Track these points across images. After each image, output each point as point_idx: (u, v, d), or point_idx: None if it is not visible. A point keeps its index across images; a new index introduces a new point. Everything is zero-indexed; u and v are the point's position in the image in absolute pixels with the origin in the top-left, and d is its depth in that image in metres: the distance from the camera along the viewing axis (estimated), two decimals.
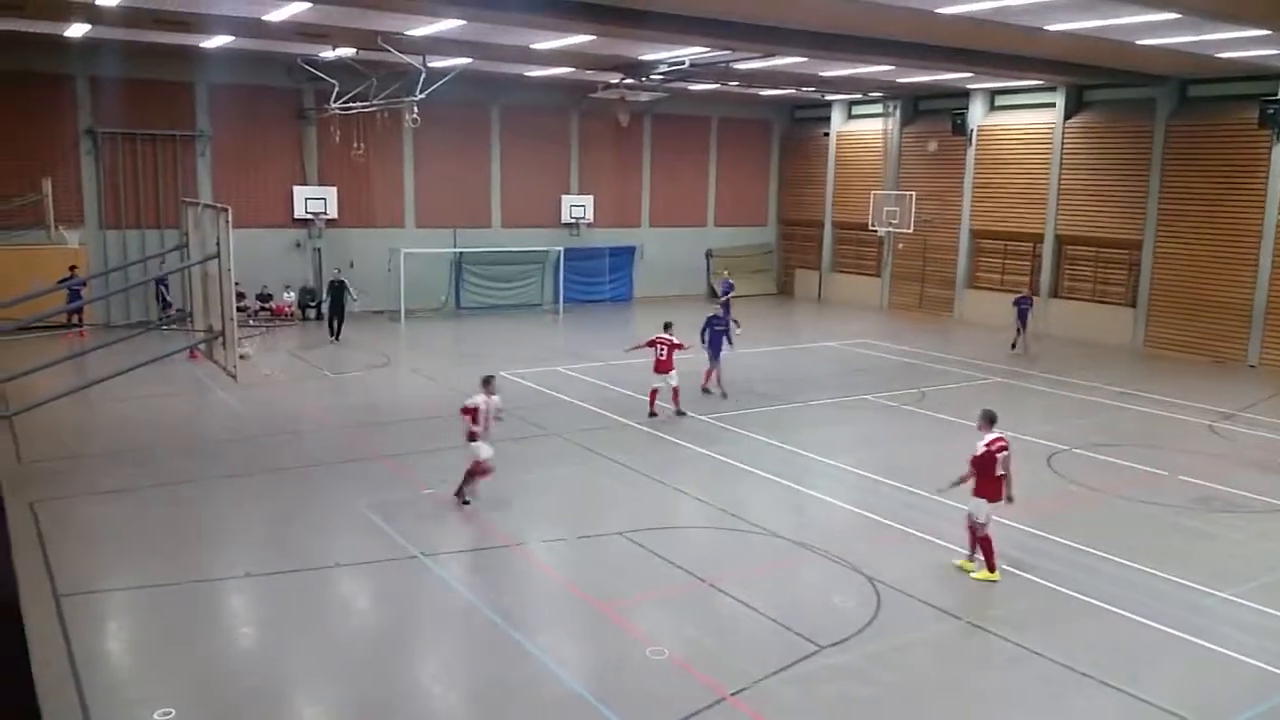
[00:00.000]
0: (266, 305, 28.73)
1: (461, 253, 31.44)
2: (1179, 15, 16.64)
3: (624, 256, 35.12)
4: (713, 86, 29.86)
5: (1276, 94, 23.75)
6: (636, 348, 18.66)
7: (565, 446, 16.15)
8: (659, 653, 9.18)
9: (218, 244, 11.52)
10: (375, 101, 25.46)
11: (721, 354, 19.75)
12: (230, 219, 10.66)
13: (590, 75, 27.86)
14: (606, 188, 34.52)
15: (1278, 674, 8.93)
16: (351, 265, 29.81)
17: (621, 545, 11.82)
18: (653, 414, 17.86)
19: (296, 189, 29.01)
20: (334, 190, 29.38)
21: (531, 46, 22.55)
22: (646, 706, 8.23)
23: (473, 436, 13.04)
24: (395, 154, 30.50)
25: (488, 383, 13.19)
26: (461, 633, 9.75)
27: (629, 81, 27.67)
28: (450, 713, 8.50)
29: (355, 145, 27.59)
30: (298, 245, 29.48)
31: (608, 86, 29.02)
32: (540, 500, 13.77)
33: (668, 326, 18.18)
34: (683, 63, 24.76)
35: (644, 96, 30.99)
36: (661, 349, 17.81)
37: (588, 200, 33.76)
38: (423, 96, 23.32)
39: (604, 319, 31.31)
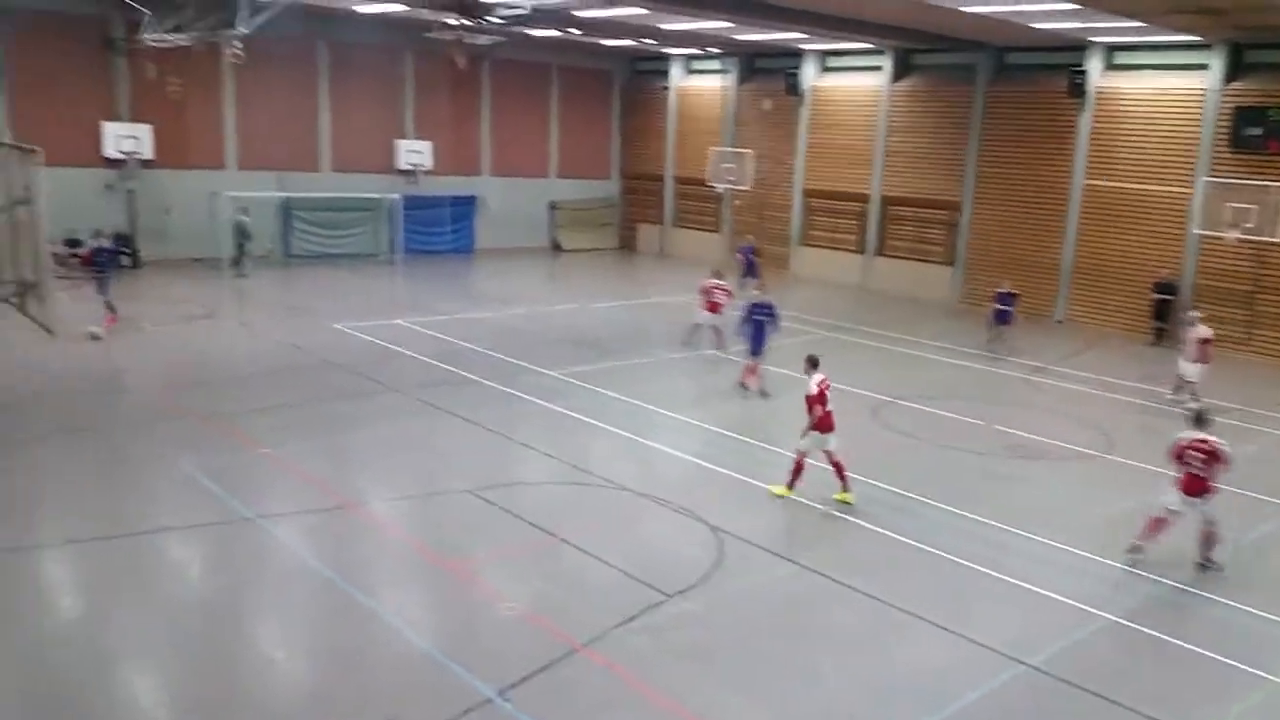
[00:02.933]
0: (76, 253, 26.54)
1: (289, 197, 29.95)
2: None
3: (465, 206, 34.37)
4: (554, 33, 29.41)
5: (1082, 65, 25.47)
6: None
7: (407, 403, 15.81)
8: (510, 608, 9.21)
9: (26, 188, 10.56)
10: (193, 32, 23.72)
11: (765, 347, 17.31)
12: (42, 161, 9.76)
13: (425, 14, 26.85)
14: (445, 134, 33.56)
15: (1084, 609, 9.79)
16: (169, 212, 28.02)
17: (468, 502, 11.73)
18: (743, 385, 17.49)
19: (106, 125, 26.82)
20: (148, 128, 27.32)
21: None
22: (499, 662, 8.26)
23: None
24: (215, 91, 28.60)
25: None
26: (303, 597, 9.47)
27: (466, 23, 26.85)
28: (295, 681, 8.28)
29: (171, 81, 25.69)
30: (109, 187, 27.33)
31: (444, 27, 28.09)
32: (382, 459, 13.46)
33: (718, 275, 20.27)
34: (523, 6, 24.24)
35: (483, 40, 30.09)
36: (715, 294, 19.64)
37: (425, 146, 32.74)
38: (245, 31, 21.91)
39: (446, 270, 30.67)
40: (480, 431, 14.57)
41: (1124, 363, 21.72)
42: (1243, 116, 23.05)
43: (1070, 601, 9.91)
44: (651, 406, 16.20)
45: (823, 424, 12.04)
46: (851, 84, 31.20)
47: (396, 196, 31.32)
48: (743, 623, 9.27)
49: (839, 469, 12.12)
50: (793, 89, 32.00)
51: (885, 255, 30.48)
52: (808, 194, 32.62)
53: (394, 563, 10.44)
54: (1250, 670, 8.69)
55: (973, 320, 26.08)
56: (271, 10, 22.96)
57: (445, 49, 30.37)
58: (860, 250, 30.93)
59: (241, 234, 27.24)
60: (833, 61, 31.72)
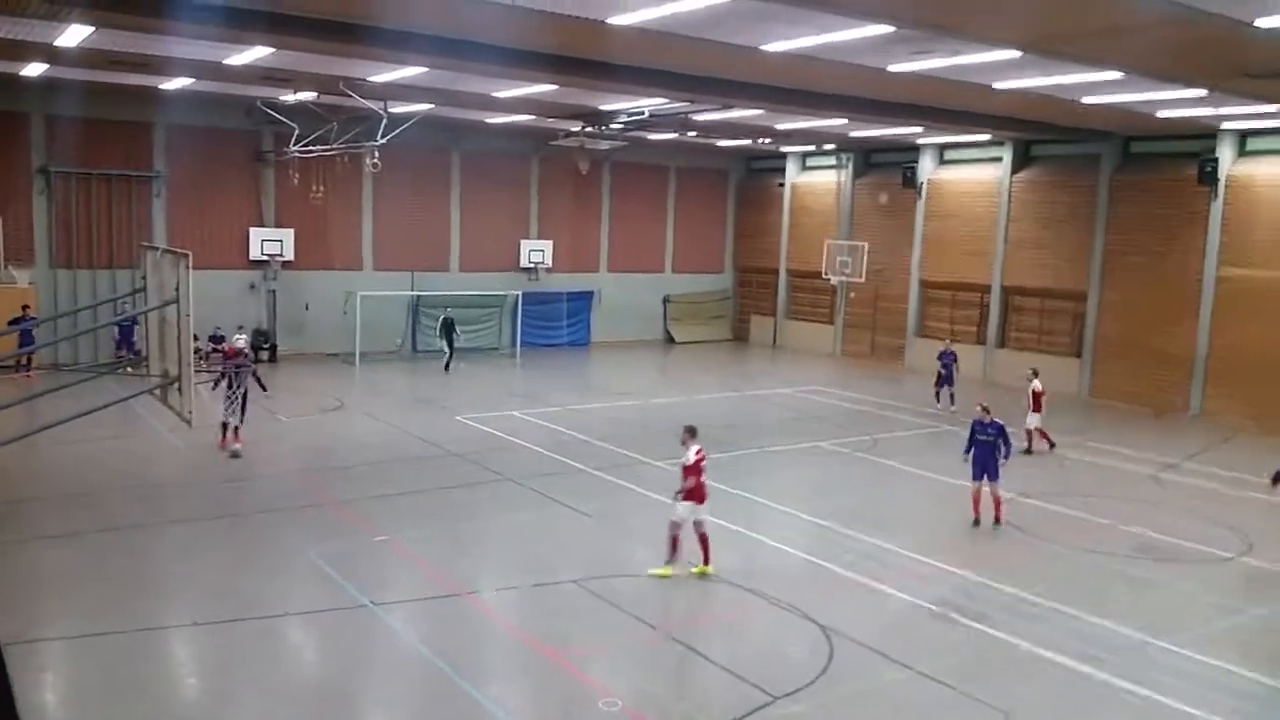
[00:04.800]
0: (219, 348, 28.39)
1: (419, 295, 31.43)
2: (1122, 75, 17.35)
3: (582, 301, 35.32)
4: (671, 136, 30.36)
5: (1214, 152, 24.68)
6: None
7: (519, 492, 16.13)
8: (612, 704, 9.16)
9: (176, 289, 11.45)
10: (335, 145, 25.53)
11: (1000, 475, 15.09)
12: (190, 264, 10.62)
13: (551, 123, 28.21)
14: (565, 233, 34.80)
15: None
16: (307, 308, 29.71)
17: (575, 593, 11.81)
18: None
19: (252, 230, 28.87)
20: (291, 232, 29.27)
21: (493, 94, 22.81)
22: None
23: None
24: (354, 197, 30.51)
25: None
26: (410, 684, 9.65)
27: (589, 130, 28.04)
28: None
29: (314, 188, 27.60)
30: (252, 287, 29.28)
31: (568, 135, 29.38)
32: (493, 547, 13.72)
33: None
34: (642, 113, 25.17)
35: (604, 145, 31.36)
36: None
37: (546, 245, 33.99)
38: (383, 141, 23.44)
39: (561, 363, 31.41)
40: (588, 521, 14.71)
41: (1265, 459, 20.36)
42: None
43: (1204, 715, 9.23)
44: (761, 499, 16.07)
45: (695, 494, 12.18)
46: (970, 175, 30.98)
47: (518, 293, 32.47)
48: None
49: (704, 541, 12.33)
50: (909, 182, 31.98)
51: (1008, 346, 29.68)
52: (925, 285, 32.24)
53: (499, 652, 10.56)
54: None
55: (1102, 414, 25.05)
56: (407, 123, 24.58)
57: (569, 154, 31.84)
58: (981, 341, 30.22)
59: (449, 331, 28.57)
60: (950, 154, 31.62)
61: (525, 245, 33.69)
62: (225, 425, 17.78)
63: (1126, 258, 26.90)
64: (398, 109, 24.41)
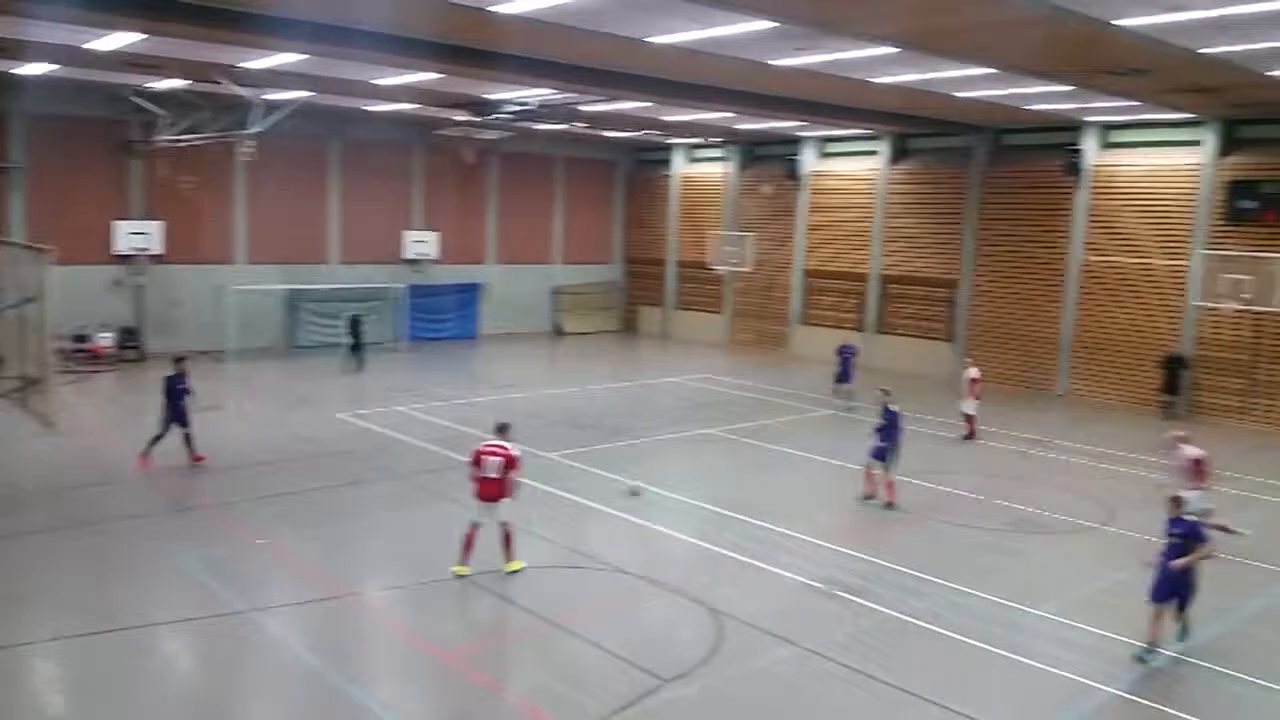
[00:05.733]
0: (83, 347, 26.94)
1: (296, 290, 30.43)
2: (993, 70, 18.06)
3: (469, 293, 34.85)
4: (559, 127, 30.20)
5: (1078, 144, 25.93)
6: None
7: (405, 489, 15.82)
8: (504, 698, 9.07)
9: (35, 286, 10.80)
10: (207, 134, 24.49)
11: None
12: (51, 260, 10.02)
13: (436, 112, 27.70)
14: (451, 224, 34.24)
15: (1085, 683, 9.60)
16: (177, 303, 28.50)
17: (464, 590, 11.64)
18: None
19: (117, 224, 27.45)
20: (159, 225, 27.94)
21: (374, 82, 22.26)
22: None
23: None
24: (227, 188, 29.31)
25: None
26: (294, 692, 9.35)
27: (475, 119, 27.66)
28: None
29: (184, 179, 26.41)
30: (117, 283, 27.85)
31: (454, 124, 28.91)
32: (378, 547, 13.42)
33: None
34: (529, 103, 24.97)
35: (490, 135, 31.00)
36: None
37: (432, 237, 33.38)
38: (259, 130, 22.60)
39: (449, 356, 30.94)
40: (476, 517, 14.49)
41: (1125, 435, 21.57)
42: (1237, 190, 23.33)
43: (1072, 676, 9.73)
44: (651, 487, 16.13)
45: (483, 491, 11.78)
46: (849, 168, 31.79)
47: (402, 286, 31.81)
48: (739, 707, 9.09)
49: (507, 539, 11.89)
50: (792, 174, 32.64)
51: (886, 333, 30.61)
52: (808, 274, 32.98)
53: (387, 653, 10.33)
54: None
55: None
56: (283, 111, 23.75)
57: (455, 144, 31.33)
58: (860, 328, 31.10)
59: (356, 328, 27.61)
60: (831, 147, 32.38)
61: (409, 237, 33.01)
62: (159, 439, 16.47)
63: (997, 246, 28.07)
64: (274, 96, 23.57)
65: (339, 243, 31.94)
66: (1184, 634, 10.38)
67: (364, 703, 8.96)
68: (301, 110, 25.31)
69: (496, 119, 27.25)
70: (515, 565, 11.99)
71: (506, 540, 11.91)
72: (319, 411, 21.47)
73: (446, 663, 9.89)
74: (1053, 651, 10.30)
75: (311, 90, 23.73)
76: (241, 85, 21.73)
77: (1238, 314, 22.70)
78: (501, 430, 12.11)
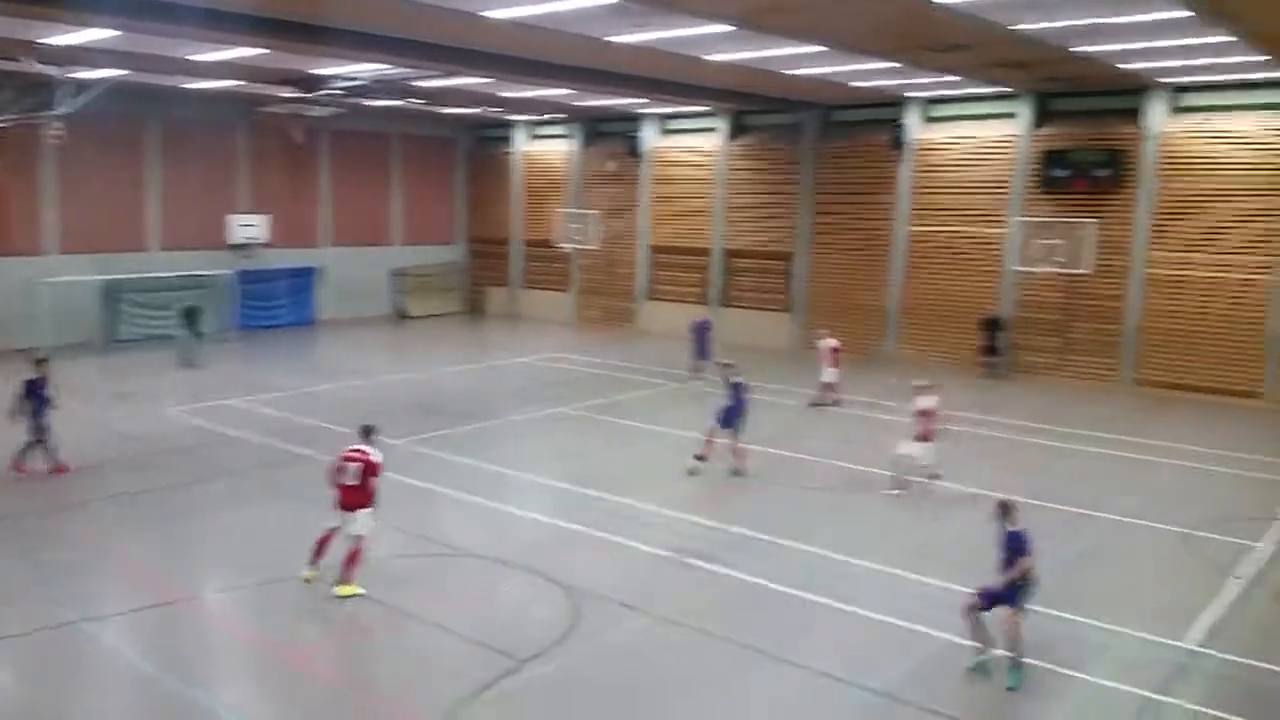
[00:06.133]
0: None
1: (114, 280, 28.51)
2: (824, 48, 18.66)
3: (304, 278, 33.52)
4: (394, 103, 29.35)
5: (901, 119, 27.12)
6: None
7: (244, 486, 15.17)
8: (357, 693, 8.88)
9: None
10: (10, 116, 22.57)
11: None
12: None
13: (261, 89, 26.40)
14: (282, 206, 32.75)
15: (920, 630, 10.19)
16: None
17: (311, 587, 11.26)
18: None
19: None
20: None
21: (192, 59, 21.02)
22: None
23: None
24: (34, 173, 27.13)
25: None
26: (133, 703, 8.88)
27: (303, 96, 26.52)
28: None
29: None
30: None
31: (280, 101, 27.63)
32: (216, 548, 12.84)
33: None
34: (361, 79, 24.13)
35: (320, 112, 29.79)
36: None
37: (261, 220, 31.84)
38: (67, 111, 21.01)
39: (285, 345, 29.75)
40: (321, 511, 14.04)
41: (950, 395, 22.79)
42: (1051, 159, 24.94)
43: (907, 624, 10.31)
44: (501, 468, 16.06)
45: (342, 500, 10.94)
46: (689, 144, 32.23)
47: (230, 273, 30.33)
48: (597, 682, 9.21)
49: (352, 558, 10.85)
50: (634, 151, 32.84)
51: (729, 306, 31.34)
52: (653, 250, 33.35)
53: (230, 656, 9.93)
54: (1074, 674, 9.18)
55: (810, 363, 27.01)
56: (93, 90, 22.15)
57: (282, 122, 29.94)
58: (704, 302, 31.72)
59: (191, 319, 25.72)
60: (671, 124, 32.72)
61: (236, 221, 31.42)
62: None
63: (830, 219, 29.13)
64: (83, 75, 21.93)
65: (159, 229, 30.09)
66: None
67: (209, 707, 8.60)
68: (115, 90, 23.71)
69: (326, 96, 26.23)
70: (347, 590, 10.76)
71: (351, 559, 10.83)
72: (148, 408, 20.26)
73: (294, 662, 9.60)
74: (890, 603, 10.87)
75: (124, 68, 22.21)
76: (46, 63, 20.13)
77: (1052, 277, 24.35)
78: (366, 433, 11.36)
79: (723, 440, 15.80)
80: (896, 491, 14.90)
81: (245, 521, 13.72)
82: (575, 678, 9.21)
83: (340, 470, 11.07)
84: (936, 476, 15.01)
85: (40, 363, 15.64)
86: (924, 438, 14.81)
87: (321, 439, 17.73)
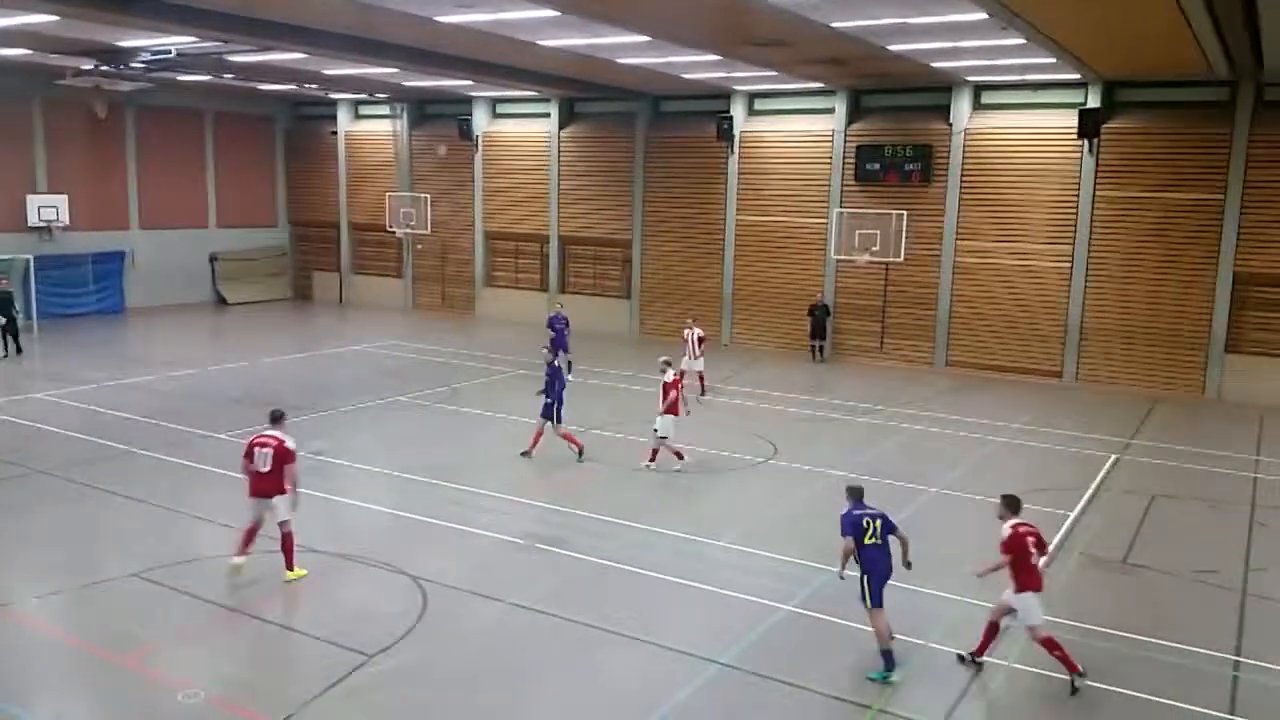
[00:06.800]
0: None
1: None
2: (648, 39, 18.90)
3: (111, 263, 31.31)
4: (206, 78, 27.71)
5: (728, 111, 27.85)
6: None
7: (54, 485, 14.09)
8: (193, 695, 8.45)
9: None
10: None
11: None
12: None
13: (56, 60, 24.35)
14: (84, 186, 30.44)
15: (765, 603, 10.60)
16: None
17: (136, 587, 10.64)
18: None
19: None
20: None
21: None
22: None
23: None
24: None
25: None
26: None
27: (105, 69, 24.65)
28: None
29: None
30: None
31: (79, 74, 25.56)
32: (28, 551, 11.90)
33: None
34: (169, 52, 22.64)
35: (125, 86, 27.74)
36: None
37: (60, 200, 29.48)
38: None
39: (91, 334, 27.68)
40: (144, 508, 13.27)
41: (782, 377, 23.79)
42: (864, 154, 26.23)
43: (752, 598, 10.70)
44: (341, 460, 15.58)
45: (255, 487, 10.71)
46: (521, 130, 31.99)
47: (27, 256, 27.95)
48: (451, 671, 9.13)
49: (286, 543, 10.83)
50: (465, 134, 32.27)
51: (569, 292, 31.40)
52: (489, 236, 32.97)
53: (52, 665, 9.23)
54: (915, 641, 9.75)
55: (648, 349, 27.48)
56: None
57: (82, 96, 27.71)
58: (543, 289, 31.65)
59: (5, 308, 23.70)
60: (502, 108, 32.38)
61: (33, 201, 28.97)
62: None
63: (663, 208, 29.62)
64: None
65: None
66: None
67: None
68: None
69: (130, 69, 24.49)
70: (296, 574, 10.81)
71: (285, 545, 10.72)
72: None
73: (125, 666, 9.01)
74: (735, 578, 11.26)
75: None
76: None
77: (869, 265, 25.65)
78: (276, 420, 10.93)
79: (546, 430, 15.85)
80: (649, 465, 15.58)
81: (59, 521, 12.77)
82: (426, 669, 9.08)
83: (252, 457, 10.68)
84: (678, 453, 15.66)
85: None
86: (671, 411, 15.53)
87: (138, 433, 16.72)
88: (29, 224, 28.81)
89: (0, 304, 23.86)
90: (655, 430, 15.64)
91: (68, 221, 29.59)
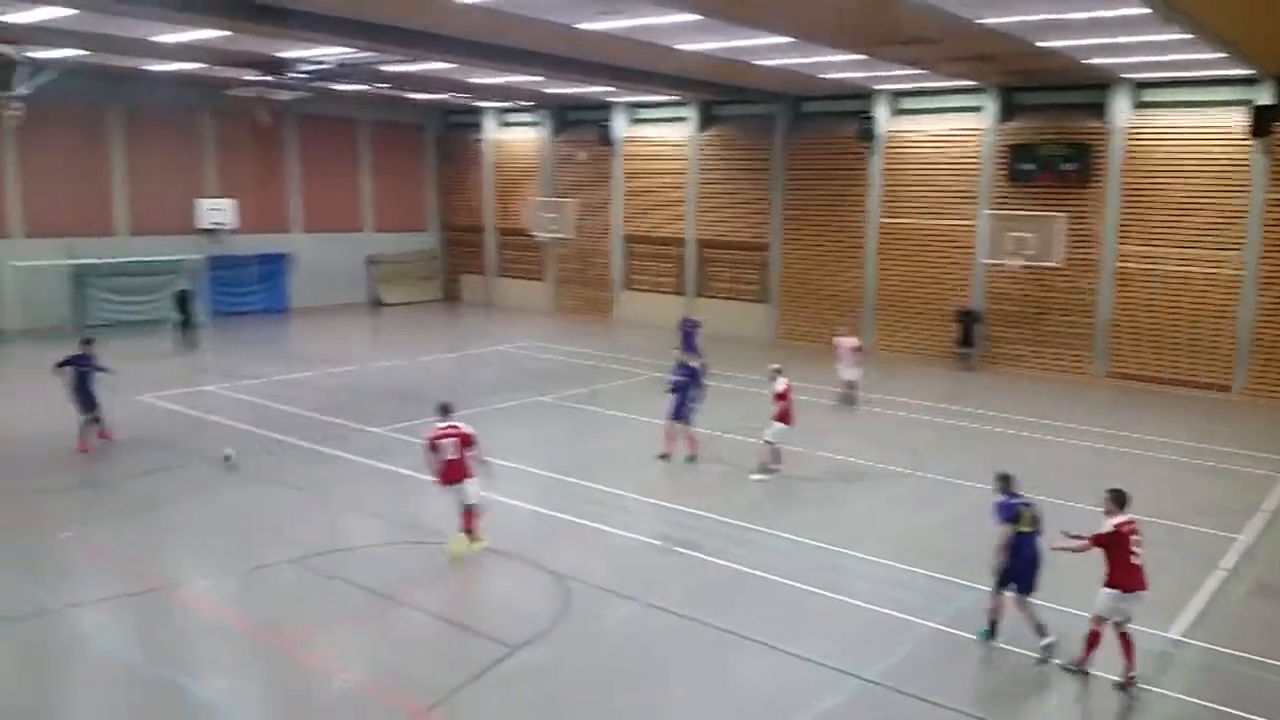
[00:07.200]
0: None
1: (83, 265, 28.02)
2: (790, 40, 18.71)
3: (275, 264, 33.17)
4: (361, 87, 29.04)
5: (870, 111, 27.29)
6: None
7: (222, 474, 15.01)
8: (346, 679, 8.86)
9: None
10: None
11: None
12: None
13: (225, 72, 26.01)
14: (250, 191, 32.34)
15: (907, 619, 10.32)
16: None
17: (295, 574, 11.23)
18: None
19: None
20: None
21: (154, 40, 20.65)
22: None
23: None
24: None
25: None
26: (119, 690, 8.79)
27: (267, 79, 26.14)
28: None
29: None
30: None
31: (244, 84, 27.21)
32: (197, 535, 12.71)
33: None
34: (327, 63, 23.84)
35: (286, 95, 29.39)
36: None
37: (228, 204, 31.42)
38: (26, 91, 20.57)
39: (258, 331, 29.41)
40: (303, 497, 14.00)
41: (928, 386, 23.10)
42: (1017, 153, 25.20)
43: (891, 612, 10.45)
44: (485, 457, 15.96)
45: (446, 475, 11.70)
46: (660, 134, 32.21)
47: (199, 257, 29.92)
48: (588, 668, 9.26)
49: (469, 518, 11.87)
50: (605, 139, 32.74)
51: (705, 296, 31.43)
52: (628, 240, 33.32)
53: (218, 644, 9.85)
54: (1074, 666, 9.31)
55: (788, 353, 27.18)
56: (52, 71, 21.71)
57: (248, 105, 29.49)
58: (680, 292, 31.78)
59: (184, 303, 26.11)
60: (641, 113, 32.68)
61: (203, 205, 30.98)
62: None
63: (802, 210, 29.25)
64: (41, 54, 21.46)
65: (127, 213, 29.63)
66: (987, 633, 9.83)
67: (201, 695, 8.54)
68: (76, 70, 23.23)
69: (291, 79, 25.88)
70: (477, 545, 11.73)
71: (468, 520, 11.68)
72: (119, 395, 19.91)
73: (284, 649, 9.54)
74: (873, 590, 11.01)
75: (84, 49, 21.76)
76: (3, 42, 19.68)
77: (1021, 270, 24.65)
78: (445, 411, 11.87)
79: (678, 429, 15.99)
80: (760, 477, 15.20)
81: (225, 508, 13.59)
82: (567, 663, 9.25)
83: (437, 449, 11.55)
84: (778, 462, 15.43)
85: (87, 342, 16.63)
86: (782, 419, 15.27)
87: (300, 427, 17.63)
88: (199, 227, 30.80)
89: (180, 301, 25.70)
90: (766, 439, 15.42)
91: (234, 224, 31.51)
